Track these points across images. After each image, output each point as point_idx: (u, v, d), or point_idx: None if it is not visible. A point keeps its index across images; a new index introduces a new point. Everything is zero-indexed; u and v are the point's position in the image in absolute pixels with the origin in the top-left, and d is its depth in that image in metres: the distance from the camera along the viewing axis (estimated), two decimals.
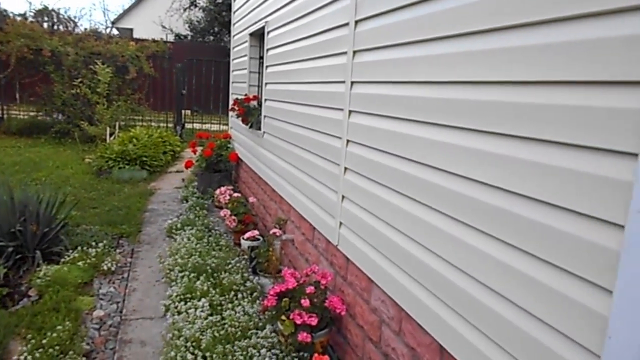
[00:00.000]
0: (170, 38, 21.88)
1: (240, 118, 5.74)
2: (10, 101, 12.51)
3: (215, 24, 20.76)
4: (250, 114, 5.50)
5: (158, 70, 12.92)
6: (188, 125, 13.35)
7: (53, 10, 22.95)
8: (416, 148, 2.22)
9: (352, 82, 2.93)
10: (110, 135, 10.42)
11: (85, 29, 12.31)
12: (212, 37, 21.56)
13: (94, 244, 4.78)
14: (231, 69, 7.62)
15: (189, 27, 22.10)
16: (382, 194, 2.57)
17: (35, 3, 20.82)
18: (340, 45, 3.11)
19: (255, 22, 5.77)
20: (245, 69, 6.44)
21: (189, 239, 4.85)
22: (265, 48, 5.22)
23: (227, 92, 14.38)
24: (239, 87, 6.98)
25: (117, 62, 11.64)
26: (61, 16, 22.93)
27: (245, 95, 6.15)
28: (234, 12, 7.45)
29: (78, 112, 11.39)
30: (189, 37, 22.28)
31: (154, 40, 13.11)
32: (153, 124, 13.23)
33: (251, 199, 5.25)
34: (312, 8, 3.62)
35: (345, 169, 3.02)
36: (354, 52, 2.91)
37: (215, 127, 13.74)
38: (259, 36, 6.17)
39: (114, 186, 7.76)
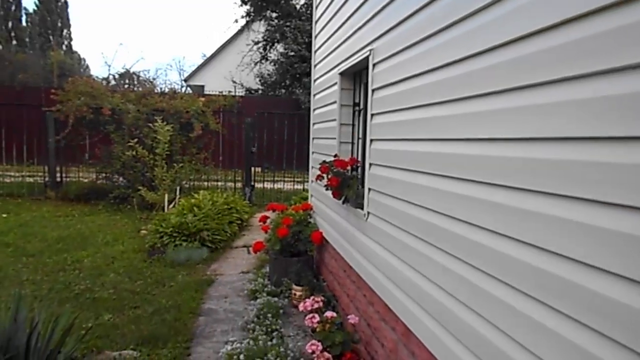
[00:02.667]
0: (241, 93, 21.07)
1: (331, 190, 3.97)
2: (71, 164, 11.60)
3: (287, 77, 19.74)
4: (347, 186, 3.73)
5: (226, 126, 11.66)
6: (257, 185, 11.88)
7: (134, 73, 22.91)
8: None
9: None
10: (170, 202, 9.03)
11: (161, 88, 11.35)
12: (283, 91, 20.56)
13: None
14: (312, 121, 5.97)
15: (259, 81, 21.27)
16: None
17: (117, 67, 20.90)
18: None
19: (351, 56, 4.08)
20: (333, 120, 4.75)
21: None
22: (371, 88, 3.48)
23: (301, 147, 12.86)
24: (323, 144, 5.28)
25: (181, 119, 10.44)
26: (141, 78, 22.90)
27: (336, 156, 4.42)
28: (315, 52, 5.86)
29: (139, 175, 10.19)
30: (260, 91, 21.42)
31: (221, 95, 11.94)
32: (220, 183, 11.88)
33: (352, 319, 3.40)
34: None
35: None
36: None
37: (288, 186, 12.19)
38: (353, 75, 4.48)
39: (166, 271, 6.17)
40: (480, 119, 1.99)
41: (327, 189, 4.07)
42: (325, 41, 5.17)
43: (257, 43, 20.84)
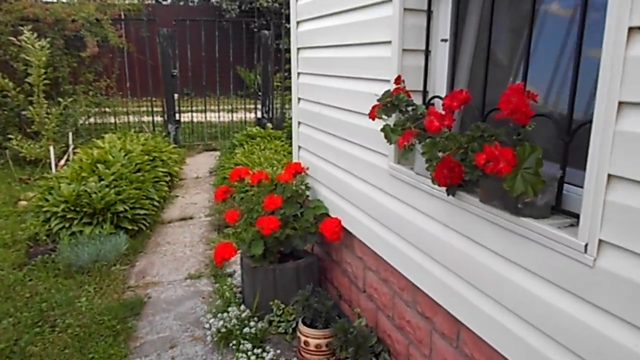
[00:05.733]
0: None
1: (434, 174, 1.57)
2: None
3: None
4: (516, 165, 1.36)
5: (133, 40, 8.58)
6: (183, 117, 9.01)
7: None
8: None
9: None
10: (64, 154, 6.21)
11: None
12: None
13: None
14: (294, 18, 3.39)
15: None
16: None
17: None
18: None
19: None
20: (376, 3, 2.26)
21: None
22: None
23: (238, 66, 10.03)
24: (336, 59, 2.79)
25: (64, 32, 7.29)
26: None
27: (399, 80, 2.01)
28: None
29: (11, 116, 7.11)
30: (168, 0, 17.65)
31: None
32: (132, 119, 8.98)
33: None
34: None
35: None
36: None
37: (225, 118, 9.47)
38: None
39: (58, 289, 3.63)
40: None
41: (431, 178, 1.66)
42: None
43: None
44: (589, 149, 1.27)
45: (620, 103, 1.18)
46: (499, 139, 1.39)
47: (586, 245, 1.29)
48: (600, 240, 1.26)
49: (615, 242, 1.23)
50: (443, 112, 1.55)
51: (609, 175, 1.22)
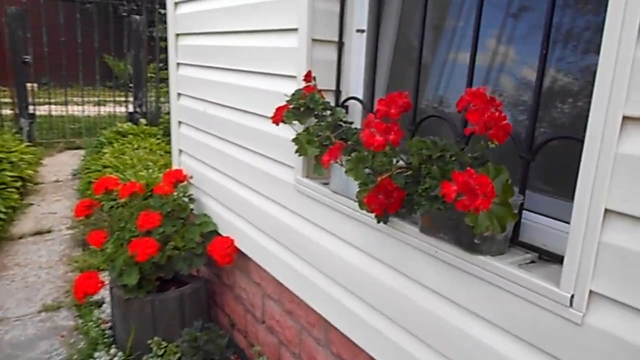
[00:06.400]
0: None
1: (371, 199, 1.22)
2: None
3: None
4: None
5: None
6: (39, 111, 7.80)
7: None
8: None
9: None
10: None
11: None
12: None
13: None
14: None
15: None
16: None
17: None
18: None
19: None
20: None
21: None
22: None
23: (106, 53, 8.94)
24: (223, 49, 2.33)
25: None
26: None
27: (309, 78, 1.63)
28: None
29: None
30: None
31: None
32: None
33: None
34: None
35: None
36: None
37: (90, 112, 8.42)
38: None
39: None
40: None
41: (363, 209, 1.29)
42: None
43: None
44: (578, 174, 0.98)
45: (625, 118, 0.90)
46: (463, 161, 1.07)
47: (572, 298, 1.01)
48: (591, 292, 0.99)
49: (612, 296, 0.96)
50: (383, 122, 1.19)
51: (607, 210, 0.95)
